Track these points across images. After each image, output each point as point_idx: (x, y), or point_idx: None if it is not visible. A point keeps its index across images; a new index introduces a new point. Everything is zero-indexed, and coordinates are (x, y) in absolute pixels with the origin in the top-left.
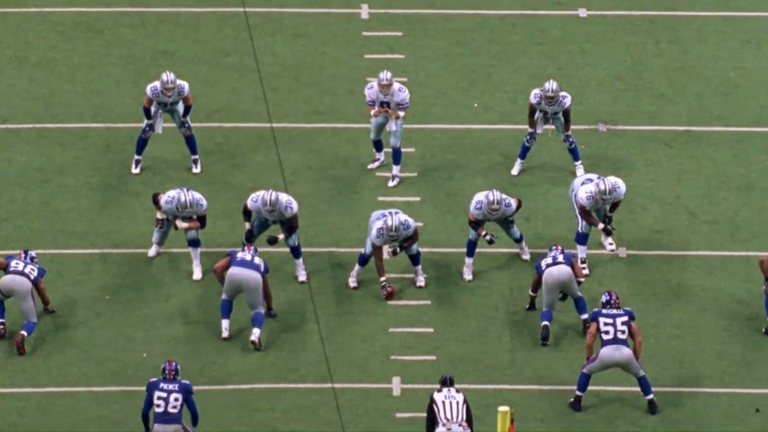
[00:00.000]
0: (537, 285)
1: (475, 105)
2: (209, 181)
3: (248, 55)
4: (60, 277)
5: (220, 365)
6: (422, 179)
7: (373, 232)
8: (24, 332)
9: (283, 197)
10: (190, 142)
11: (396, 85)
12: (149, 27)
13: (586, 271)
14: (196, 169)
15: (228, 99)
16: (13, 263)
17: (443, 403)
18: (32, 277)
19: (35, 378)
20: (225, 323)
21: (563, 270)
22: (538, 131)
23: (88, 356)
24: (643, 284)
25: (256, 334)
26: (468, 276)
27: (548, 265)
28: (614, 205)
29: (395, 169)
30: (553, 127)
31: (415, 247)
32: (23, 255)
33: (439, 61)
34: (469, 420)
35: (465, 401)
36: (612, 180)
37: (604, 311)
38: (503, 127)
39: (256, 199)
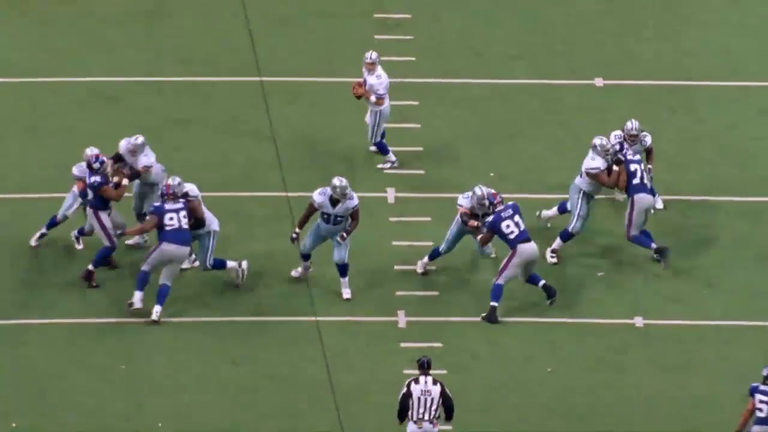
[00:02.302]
0: (487, 240)
1: (491, 174)
2: (223, 249)
3: (263, 124)
4: (73, 346)
5: None
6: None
7: (316, 191)
8: (90, 267)
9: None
10: None
11: (378, 70)
12: (165, 95)
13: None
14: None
15: (243, 167)
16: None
17: (418, 399)
18: (91, 203)
19: None
20: (139, 295)
21: (534, 248)
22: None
23: (101, 425)
24: (659, 354)
25: (157, 312)
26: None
27: (518, 240)
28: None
29: (389, 156)
30: None
31: (345, 253)
32: (94, 160)
33: (455, 130)
34: (449, 408)
35: (441, 393)
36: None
37: (762, 387)
38: (520, 196)
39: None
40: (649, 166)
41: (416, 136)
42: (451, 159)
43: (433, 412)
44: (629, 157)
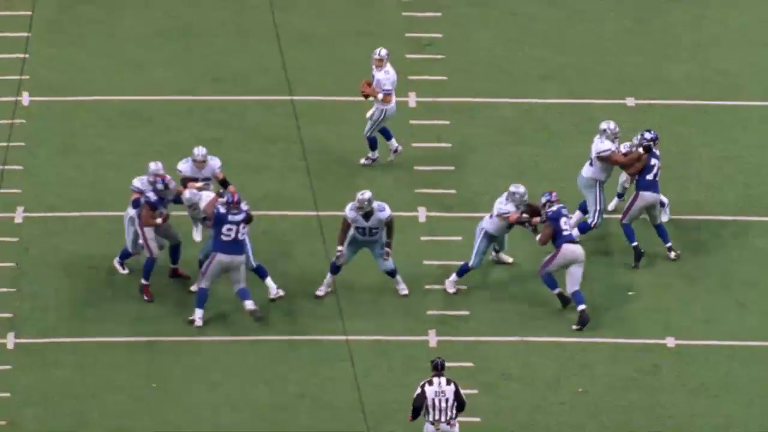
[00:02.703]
0: (548, 238)
1: None
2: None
3: (294, 143)
4: (106, 366)
5: None
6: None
7: (348, 206)
8: (142, 281)
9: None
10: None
11: (387, 67)
12: (196, 115)
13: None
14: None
15: (274, 186)
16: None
17: (433, 401)
18: (135, 218)
19: None
20: (199, 312)
21: (579, 251)
22: None
23: None
24: (691, 374)
25: (250, 304)
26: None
27: (566, 239)
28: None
29: (372, 153)
30: None
31: (390, 263)
32: (159, 181)
33: (486, 150)
34: (461, 405)
35: (455, 392)
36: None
37: None
38: None
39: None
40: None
41: (448, 155)
42: (482, 178)
43: (449, 413)
44: (655, 150)
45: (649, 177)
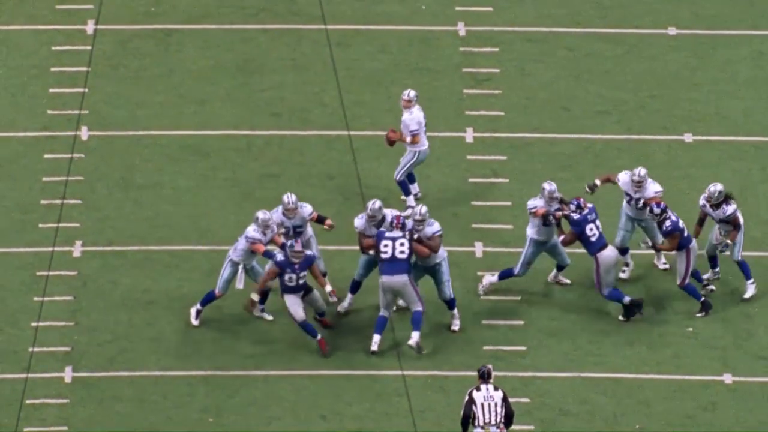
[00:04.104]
0: (569, 242)
1: None
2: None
3: (352, 178)
4: (164, 399)
5: None
6: (524, 304)
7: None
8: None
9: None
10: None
11: (414, 108)
12: (255, 149)
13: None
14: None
15: (332, 221)
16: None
17: (482, 405)
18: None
19: None
20: (376, 338)
21: (613, 254)
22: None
23: None
24: (748, 412)
25: (414, 338)
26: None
27: (597, 246)
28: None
29: (408, 200)
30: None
31: (447, 291)
32: (292, 244)
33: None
34: (509, 416)
35: (504, 398)
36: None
37: None
38: None
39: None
40: (728, 241)
41: (504, 190)
42: None
43: (498, 417)
44: (666, 224)
45: (685, 233)
